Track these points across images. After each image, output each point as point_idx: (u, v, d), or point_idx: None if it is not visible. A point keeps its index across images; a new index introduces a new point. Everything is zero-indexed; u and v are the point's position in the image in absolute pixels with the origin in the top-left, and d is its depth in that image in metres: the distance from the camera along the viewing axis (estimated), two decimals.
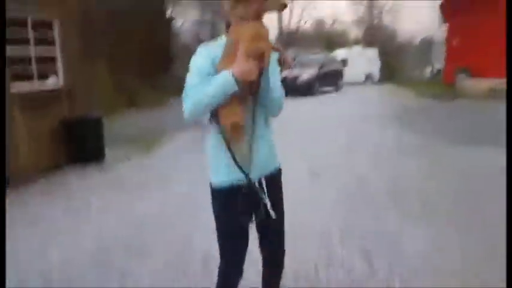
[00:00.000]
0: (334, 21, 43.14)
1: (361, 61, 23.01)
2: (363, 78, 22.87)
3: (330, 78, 17.17)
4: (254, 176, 1.65)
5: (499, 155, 5.32)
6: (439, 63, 16.45)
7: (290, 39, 38.44)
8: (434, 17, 19.51)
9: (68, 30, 6.24)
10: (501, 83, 11.79)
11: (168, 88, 21.36)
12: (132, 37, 17.08)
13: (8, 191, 4.52)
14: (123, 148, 7.16)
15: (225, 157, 1.62)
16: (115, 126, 9.18)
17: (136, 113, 14.00)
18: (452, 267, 2.57)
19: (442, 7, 14.73)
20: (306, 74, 15.21)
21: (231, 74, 1.50)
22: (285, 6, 1.61)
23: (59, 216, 4.07)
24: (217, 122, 1.60)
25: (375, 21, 36.37)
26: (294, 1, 37.74)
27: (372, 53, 24.40)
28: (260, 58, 1.52)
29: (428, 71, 19.92)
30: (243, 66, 1.50)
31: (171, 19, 22.54)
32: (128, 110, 14.54)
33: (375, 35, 34.84)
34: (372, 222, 3.39)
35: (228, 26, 1.65)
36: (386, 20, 36.70)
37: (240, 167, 1.61)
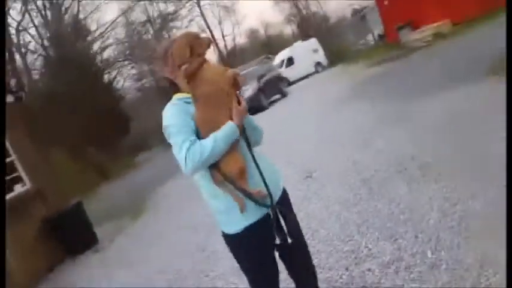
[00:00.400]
0: (266, 26, 44.14)
1: (306, 53, 23.68)
2: (313, 69, 23.45)
3: (274, 86, 16.00)
4: (274, 203, 1.65)
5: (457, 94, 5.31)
6: (377, 29, 16.90)
7: (232, 58, 38.97)
8: None
9: (16, 134, 5.96)
10: (444, 24, 12.09)
11: (135, 147, 21.23)
12: (76, 113, 16.57)
13: None
14: (111, 224, 6.83)
15: (235, 201, 1.60)
16: (95, 205, 8.82)
17: (113, 184, 13.57)
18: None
19: None
20: (248, 90, 13.55)
21: (234, 123, 1.56)
22: (210, 42, 1.64)
23: None
24: (216, 172, 1.58)
25: (305, 12, 37.48)
26: (222, 23, 38.25)
27: (313, 42, 25.11)
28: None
29: (370, 39, 20.45)
30: (240, 112, 1.57)
31: (110, 82, 22.32)
32: (102, 184, 14.12)
33: (309, 25, 35.85)
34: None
35: (173, 85, 1.68)
36: (313, 8, 37.96)
37: (263, 203, 1.60)
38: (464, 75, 6.11)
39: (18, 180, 5.88)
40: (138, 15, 28.13)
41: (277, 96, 16.22)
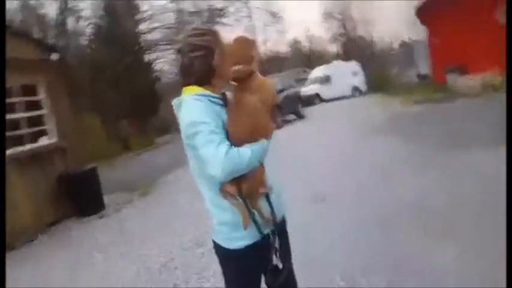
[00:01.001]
0: (310, 40, 44.23)
1: (344, 75, 23.35)
2: (349, 92, 23.02)
3: (290, 105, 14.32)
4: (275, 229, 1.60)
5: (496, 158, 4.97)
6: (423, 66, 16.57)
7: (269, 64, 39.15)
8: (409, 21, 19.89)
9: (54, 91, 6.19)
10: (495, 74, 11.47)
11: (158, 129, 21.62)
12: (116, 86, 17.24)
13: (9, 252, 4.66)
14: (121, 195, 7.01)
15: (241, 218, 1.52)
16: (111, 173, 9.07)
17: (130, 158, 13.89)
18: None
19: (419, 11, 14.92)
20: None
21: (266, 142, 1.50)
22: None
23: (60, 269, 4.05)
24: (231, 185, 1.48)
25: (351, 34, 37.24)
26: (267, 27, 38.59)
27: (354, 65, 24.76)
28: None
29: (414, 74, 20.03)
30: (271, 130, 1.53)
31: (150, 63, 22.84)
32: (122, 155, 14.48)
33: (353, 47, 35.62)
34: (395, 248, 3.08)
35: (188, 76, 1.54)
36: (362, 31, 37.64)
37: (265, 225, 1.55)
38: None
39: (45, 133, 6.12)
40: (187, 5, 28.66)
41: (292, 117, 14.77)
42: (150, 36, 24.35)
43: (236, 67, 1.46)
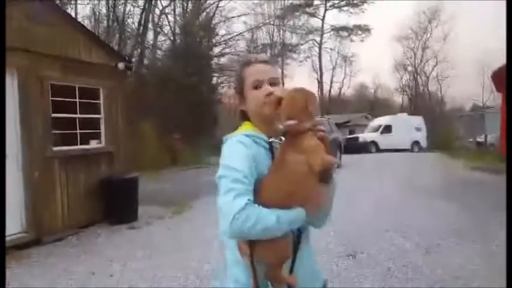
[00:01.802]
0: (377, 87, 43.57)
1: (407, 128, 22.91)
2: (408, 146, 22.52)
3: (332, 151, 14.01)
4: None
5: None
6: (493, 134, 15.58)
7: (332, 104, 39.06)
8: (484, 85, 18.92)
9: (113, 97, 6.58)
10: None
11: (209, 148, 22.28)
12: (180, 100, 18.14)
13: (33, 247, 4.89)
14: (156, 209, 7.13)
15: None
16: (152, 185, 9.35)
17: (176, 173, 14.29)
18: None
19: (495, 76, 14.16)
20: None
21: (304, 214, 1.28)
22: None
23: (74, 273, 4.10)
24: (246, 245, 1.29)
25: (421, 89, 36.16)
26: (335, 70, 38.72)
27: (418, 120, 24.22)
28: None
29: (481, 140, 18.95)
30: (318, 206, 1.31)
31: (216, 85, 23.83)
32: (169, 168, 14.97)
33: (422, 102, 34.42)
34: None
35: (243, 112, 1.45)
36: (433, 87, 36.44)
37: None
38: None
39: (97, 137, 6.41)
40: (262, 35, 29.78)
41: None
42: (221, 60, 25.59)
43: (288, 122, 1.29)
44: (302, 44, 33.08)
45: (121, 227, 5.97)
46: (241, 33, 26.67)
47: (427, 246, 4.61)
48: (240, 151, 1.30)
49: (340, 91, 42.17)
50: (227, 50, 25.57)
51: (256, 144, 1.34)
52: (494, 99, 15.91)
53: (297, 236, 1.34)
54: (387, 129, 22.91)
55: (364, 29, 32.05)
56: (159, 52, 22.60)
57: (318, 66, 34.35)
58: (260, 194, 1.27)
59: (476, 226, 5.50)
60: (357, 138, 23.26)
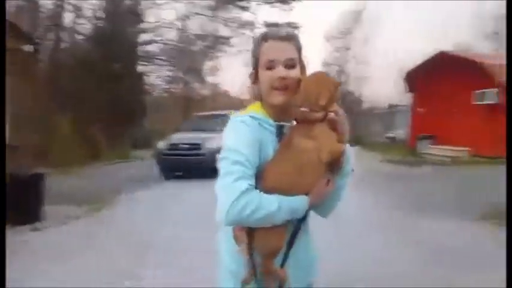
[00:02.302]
0: None
1: None
2: None
3: None
4: None
5: (463, 227, 5.20)
6: (402, 129, 17.09)
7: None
8: (399, 85, 20.60)
9: (19, 85, 5.97)
10: (463, 151, 12.23)
11: (137, 142, 21.30)
12: (102, 90, 16.94)
13: None
14: (69, 208, 6.57)
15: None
16: (68, 182, 8.65)
17: (97, 168, 13.41)
18: None
19: (408, 77, 15.57)
20: (212, 140, 9.46)
21: (307, 202, 1.20)
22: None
23: None
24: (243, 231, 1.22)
25: (343, 88, 38.33)
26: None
27: None
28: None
29: (392, 135, 20.72)
30: (321, 196, 1.23)
31: (142, 74, 22.80)
32: (89, 163, 13.98)
33: (343, 100, 36.48)
34: None
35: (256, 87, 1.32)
36: (352, 86, 38.83)
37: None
38: (451, 208, 6.17)
39: None
40: (194, 26, 29.13)
41: None
42: (149, 48, 24.50)
43: (303, 108, 1.21)
44: (233, 38, 32.95)
45: (24, 228, 5.40)
46: (171, 22, 25.78)
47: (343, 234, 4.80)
48: (243, 132, 1.20)
49: None
50: (159, 38, 24.56)
51: (262, 127, 1.25)
52: (406, 98, 17.40)
53: (295, 227, 1.25)
54: None
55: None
56: (79, 36, 20.91)
57: (250, 61, 34.58)
58: (263, 179, 1.19)
59: (383, 216, 5.99)
60: None
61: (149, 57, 24.09)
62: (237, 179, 1.13)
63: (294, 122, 1.26)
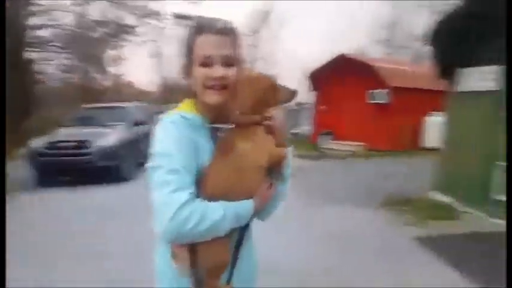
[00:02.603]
0: None
1: None
2: None
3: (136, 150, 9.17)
4: None
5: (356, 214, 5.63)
6: (307, 126, 18.08)
7: (170, 93, 38.56)
8: (304, 84, 21.74)
9: None
10: (358, 146, 13.43)
11: (27, 133, 18.92)
12: None
13: None
14: None
15: None
16: None
17: None
18: None
19: (311, 77, 16.50)
20: (108, 137, 8.06)
21: (253, 207, 1.12)
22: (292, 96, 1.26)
23: None
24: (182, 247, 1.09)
25: None
26: (176, 58, 38.59)
27: None
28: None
29: (294, 131, 21.84)
30: (266, 199, 1.16)
31: (30, 61, 20.33)
32: None
33: None
34: None
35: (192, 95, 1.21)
36: None
37: None
38: (352, 198, 6.62)
39: None
40: (94, 13, 26.94)
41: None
42: (40, 33, 21.91)
43: (237, 111, 1.13)
44: (139, 27, 31.26)
45: None
46: (66, 5, 23.38)
47: None
48: (175, 134, 1.07)
49: (182, 79, 41.93)
50: (53, 22, 22.05)
51: (193, 129, 1.12)
52: (310, 97, 18.44)
53: (239, 236, 1.16)
54: None
55: None
56: None
57: (157, 52, 33.18)
58: (202, 186, 1.08)
59: (291, 207, 6.19)
60: None
61: (41, 43, 21.57)
62: (175, 189, 1.00)
63: (231, 125, 1.18)
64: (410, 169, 9.15)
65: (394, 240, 4.63)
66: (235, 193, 1.12)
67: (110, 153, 7.85)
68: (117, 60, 30.18)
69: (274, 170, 1.18)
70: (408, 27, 35.02)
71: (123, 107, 10.08)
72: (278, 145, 1.17)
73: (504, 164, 5.04)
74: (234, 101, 1.13)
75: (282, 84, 1.22)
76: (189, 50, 1.16)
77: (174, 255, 1.12)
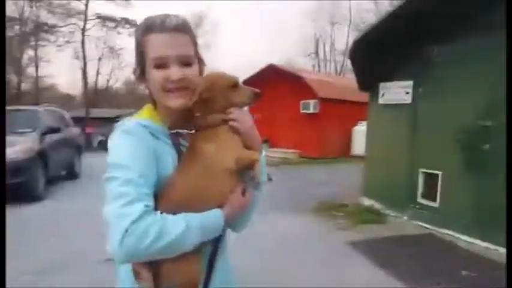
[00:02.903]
0: None
1: None
2: None
3: (65, 155, 8.81)
4: None
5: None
6: None
7: (99, 97, 36.47)
8: None
9: None
10: (293, 153, 13.86)
11: None
12: None
13: None
14: None
15: None
16: None
17: None
18: None
19: (245, 84, 16.77)
20: (14, 148, 6.40)
21: (224, 217, 1.01)
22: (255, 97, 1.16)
23: None
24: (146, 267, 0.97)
25: None
26: (101, 61, 36.55)
27: None
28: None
29: None
30: (241, 208, 1.07)
31: None
32: None
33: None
34: None
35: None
36: None
37: None
38: (288, 203, 6.84)
39: None
40: (9, 8, 24.55)
41: (63, 173, 9.21)
42: None
43: (196, 113, 1.07)
44: (61, 27, 29.12)
45: None
46: None
47: None
48: (132, 143, 0.98)
49: (107, 84, 39.84)
50: None
51: (154, 137, 1.03)
52: None
53: (212, 250, 1.06)
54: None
55: (132, 24, 31.15)
56: None
57: (81, 54, 31.11)
58: (165, 197, 0.98)
59: None
60: None
61: None
62: (130, 201, 0.90)
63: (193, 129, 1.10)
64: (342, 176, 9.66)
65: (328, 244, 4.79)
66: (205, 201, 1.02)
67: (16, 170, 6.21)
68: (36, 61, 27.77)
69: (246, 174, 1.07)
70: (332, 42, 37.39)
71: (33, 111, 8.30)
72: (249, 147, 1.09)
73: (426, 170, 5.54)
74: (194, 103, 1.05)
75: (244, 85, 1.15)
76: (141, 51, 1.06)
77: (136, 275, 0.99)
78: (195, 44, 1.09)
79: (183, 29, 1.05)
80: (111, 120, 28.70)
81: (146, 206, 0.91)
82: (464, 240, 4.75)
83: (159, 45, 1.02)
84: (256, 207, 1.18)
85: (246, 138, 1.09)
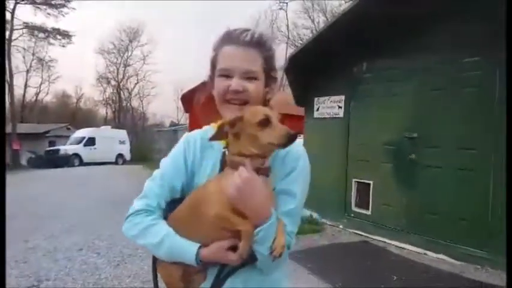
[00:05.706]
0: (80, 97, 41.56)
1: (111, 141, 23.09)
2: (113, 158, 22.79)
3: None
4: None
5: None
6: None
7: (27, 112, 34.05)
8: (178, 105, 21.63)
9: None
10: None
11: None
12: None
13: None
14: None
15: None
16: None
17: None
18: None
19: (183, 99, 16.53)
20: None
21: (196, 254, 1.00)
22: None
23: None
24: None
25: (124, 103, 37.24)
26: (30, 72, 34.36)
27: (122, 133, 24.84)
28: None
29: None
30: (217, 254, 1.00)
31: None
32: None
33: (124, 116, 35.45)
34: None
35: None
36: (135, 103, 38.44)
37: None
38: None
39: None
40: None
41: None
42: None
43: (224, 148, 1.07)
44: None
45: None
46: None
47: (119, 259, 4.57)
48: (174, 151, 1.16)
49: (36, 97, 37.26)
50: None
51: (205, 148, 1.13)
52: (186, 118, 18.42)
53: (219, 269, 1.04)
54: (91, 141, 22.12)
55: (64, 35, 29.51)
56: None
57: (6, 65, 28.83)
58: (176, 208, 1.07)
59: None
60: (58, 150, 21.45)
61: None
62: (141, 196, 1.09)
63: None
64: None
65: None
66: (188, 234, 1.01)
67: None
68: None
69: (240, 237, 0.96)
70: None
71: None
72: (242, 215, 0.95)
73: (359, 180, 5.81)
74: (224, 135, 1.01)
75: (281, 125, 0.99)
76: (214, 59, 1.12)
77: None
78: (266, 60, 1.10)
79: (255, 44, 1.08)
80: (41, 136, 27.11)
81: (147, 205, 1.05)
82: (395, 245, 5.03)
83: (228, 57, 1.07)
84: (269, 270, 1.08)
85: (241, 207, 0.96)
